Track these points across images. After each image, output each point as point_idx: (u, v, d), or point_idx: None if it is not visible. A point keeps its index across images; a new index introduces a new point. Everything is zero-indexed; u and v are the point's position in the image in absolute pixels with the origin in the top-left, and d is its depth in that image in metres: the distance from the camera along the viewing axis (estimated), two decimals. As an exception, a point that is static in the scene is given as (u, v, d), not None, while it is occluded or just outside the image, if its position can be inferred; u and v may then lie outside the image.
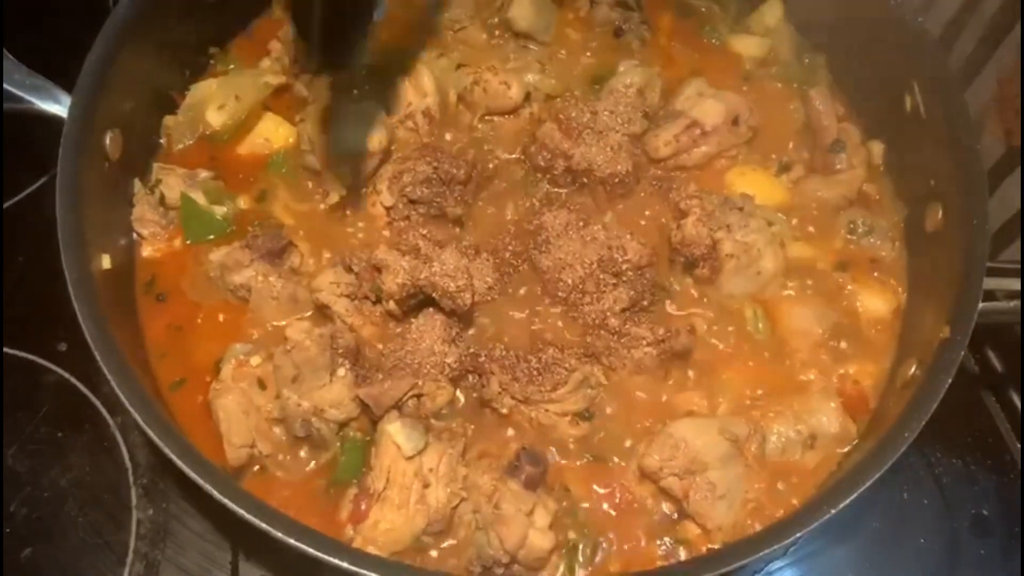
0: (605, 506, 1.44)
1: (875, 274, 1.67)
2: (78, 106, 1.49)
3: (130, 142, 1.60)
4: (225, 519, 1.51)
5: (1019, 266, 1.49)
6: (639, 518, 1.43)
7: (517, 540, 1.32)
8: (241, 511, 1.21)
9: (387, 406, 1.42)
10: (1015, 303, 1.47)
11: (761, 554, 1.24)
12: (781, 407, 1.50)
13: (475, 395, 1.49)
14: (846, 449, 1.48)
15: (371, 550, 1.32)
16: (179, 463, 1.25)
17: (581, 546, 1.39)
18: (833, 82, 1.87)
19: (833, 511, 1.26)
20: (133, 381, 1.32)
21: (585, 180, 1.67)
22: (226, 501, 1.22)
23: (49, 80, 1.54)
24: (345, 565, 1.18)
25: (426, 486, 1.36)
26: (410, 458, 1.36)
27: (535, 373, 1.45)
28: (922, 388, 1.37)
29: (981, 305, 1.40)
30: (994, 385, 1.81)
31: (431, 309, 1.51)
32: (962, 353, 1.37)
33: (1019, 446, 1.73)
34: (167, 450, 1.26)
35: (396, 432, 1.37)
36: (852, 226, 1.71)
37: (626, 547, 1.41)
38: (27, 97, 1.53)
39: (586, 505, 1.43)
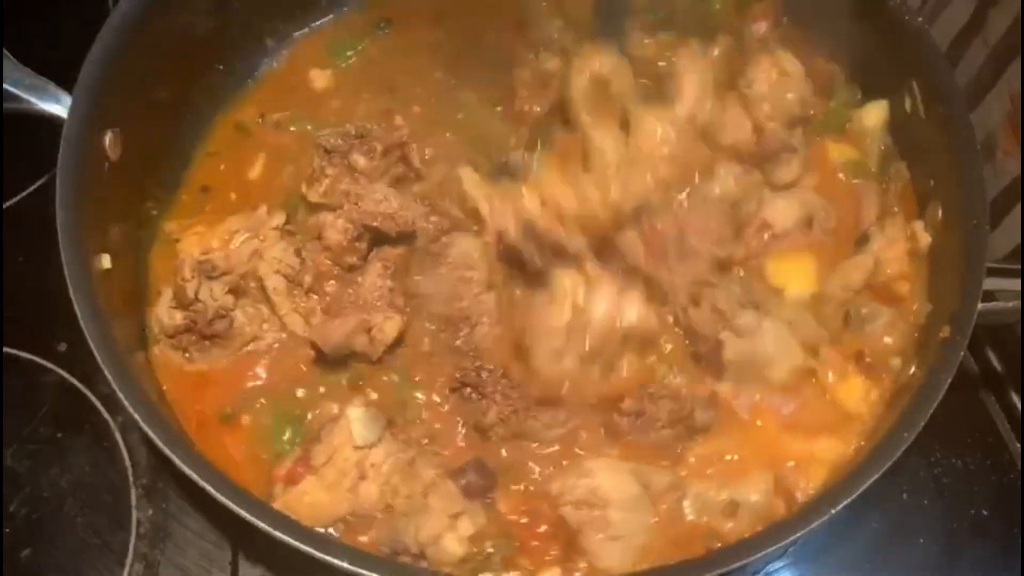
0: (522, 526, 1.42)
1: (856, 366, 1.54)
2: (78, 106, 1.48)
3: (130, 142, 1.60)
4: (225, 519, 1.51)
5: (1019, 266, 1.49)
6: (549, 543, 1.41)
7: (431, 536, 1.33)
8: (241, 511, 1.21)
9: (336, 342, 1.46)
10: (1015, 303, 1.47)
11: (761, 554, 1.24)
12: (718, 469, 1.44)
13: (472, 422, 1.47)
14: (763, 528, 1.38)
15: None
16: (178, 463, 1.24)
17: (494, 558, 1.38)
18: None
19: (833, 511, 1.26)
20: (133, 381, 1.32)
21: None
22: (226, 501, 1.22)
23: (49, 80, 1.54)
24: (345, 565, 1.18)
25: (362, 478, 1.37)
26: (358, 448, 1.37)
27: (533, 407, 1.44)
28: (922, 388, 1.37)
29: (981, 305, 1.40)
30: (994, 385, 1.80)
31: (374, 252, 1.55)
32: (962, 353, 1.37)
33: (1019, 446, 1.73)
34: (167, 450, 1.25)
35: (356, 419, 1.39)
36: (849, 314, 1.56)
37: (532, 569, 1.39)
38: (27, 97, 1.52)
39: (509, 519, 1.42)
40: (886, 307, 1.57)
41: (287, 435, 1.47)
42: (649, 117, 1.55)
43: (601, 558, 1.35)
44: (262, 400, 1.51)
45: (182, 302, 1.49)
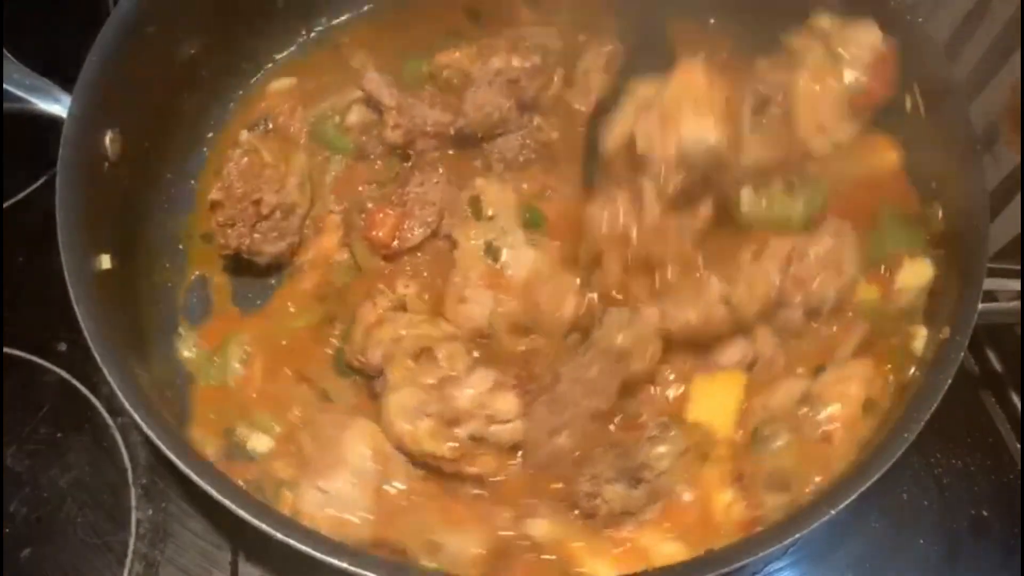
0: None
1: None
2: (78, 106, 1.49)
3: (130, 142, 1.60)
4: (225, 519, 1.51)
5: (1019, 267, 1.49)
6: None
7: None
8: (241, 511, 1.21)
9: None
10: (1015, 304, 1.47)
11: (761, 554, 1.23)
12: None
13: None
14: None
15: None
16: (178, 463, 1.25)
17: None
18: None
19: (833, 511, 1.26)
20: (133, 381, 1.32)
21: None
22: (226, 501, 1.22)
23: (49, 80, 1.54)
24: (345, 565, 1.18)
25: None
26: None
27: None
28: (922, 388, 1.37)
29: (981, 306, 1.39)
30: (994, 385, 1.80)
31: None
32: (962, 354, 1.37)
33: (1019, 446, 1.73)
34: (167, 450, 1.26)
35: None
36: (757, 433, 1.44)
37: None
38: (27, 97, 1.53)
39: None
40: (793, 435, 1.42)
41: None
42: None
43: (301, 497, 1.33)
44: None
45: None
